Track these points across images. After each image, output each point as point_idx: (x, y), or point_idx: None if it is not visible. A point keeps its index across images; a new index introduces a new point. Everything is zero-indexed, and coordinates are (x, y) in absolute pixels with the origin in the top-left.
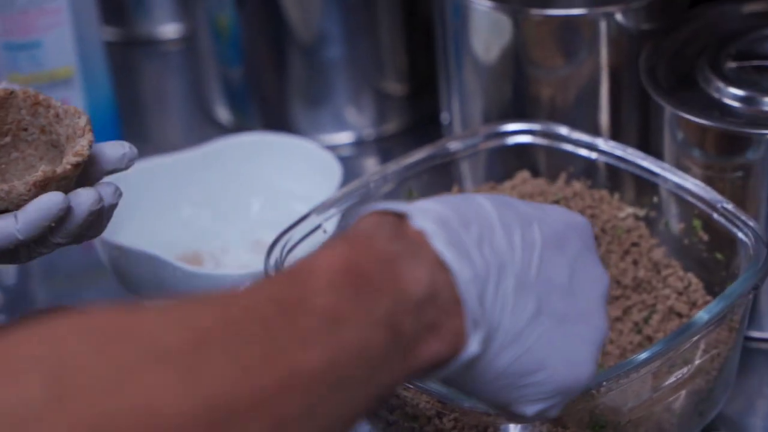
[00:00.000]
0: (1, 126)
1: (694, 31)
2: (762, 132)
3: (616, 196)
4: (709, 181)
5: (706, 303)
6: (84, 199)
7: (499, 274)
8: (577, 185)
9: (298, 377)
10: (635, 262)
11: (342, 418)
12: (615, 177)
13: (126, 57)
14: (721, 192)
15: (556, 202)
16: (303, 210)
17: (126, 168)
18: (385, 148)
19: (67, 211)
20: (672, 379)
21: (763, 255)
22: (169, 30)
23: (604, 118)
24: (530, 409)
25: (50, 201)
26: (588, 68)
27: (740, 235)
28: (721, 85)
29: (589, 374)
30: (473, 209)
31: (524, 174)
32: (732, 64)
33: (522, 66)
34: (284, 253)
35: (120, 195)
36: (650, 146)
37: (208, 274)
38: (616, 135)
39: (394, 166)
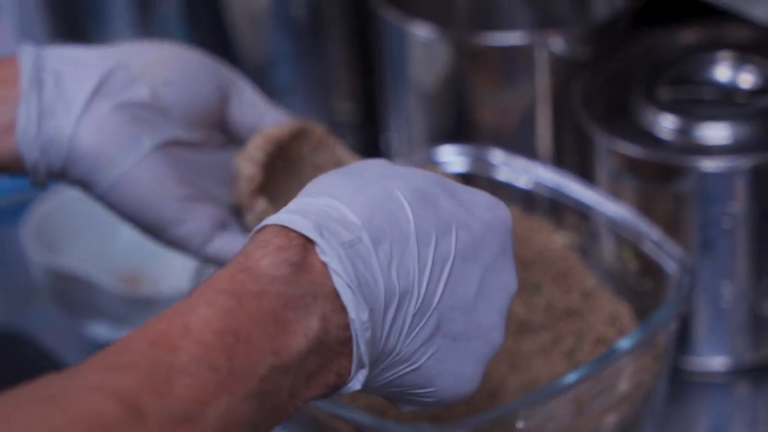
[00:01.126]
0: (286, 155)
1: (630, 59)
2: (692, 162)
3: (551, 222)
4: (641, 210)
5: None
6: None
7: (400, 302)
8: (513, 211)
9: None
10: (567, 290)
11: None
12: (551, 203)
13: None
14: (654, 221)
15: None
16: None
17: None
18: None
19: None
20: (594, 406)
21: (686, 284)
22: None
23: (544, 144)
24: (407, 409)
25: None
26: (527, 95)
27: (666, 264)
28: (654, 114)
29: (473, 389)
30: (391, 216)
31: None
32: (666, 93)
33: (462, 92)
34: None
35: None
36: (587, 173)
37: (141, 297)
38: (557, 161)
39: None
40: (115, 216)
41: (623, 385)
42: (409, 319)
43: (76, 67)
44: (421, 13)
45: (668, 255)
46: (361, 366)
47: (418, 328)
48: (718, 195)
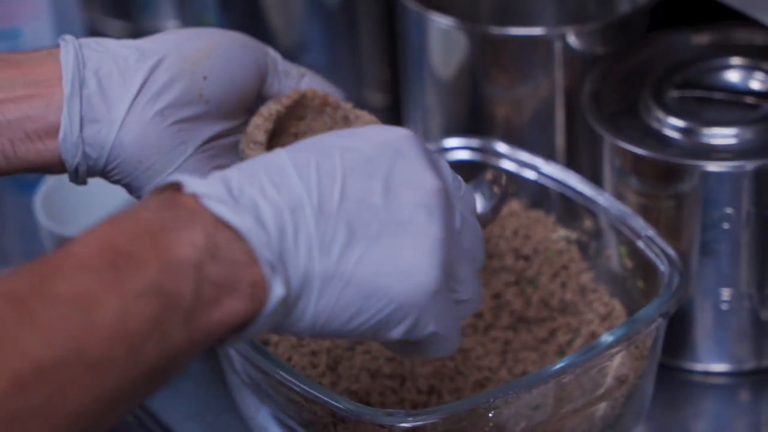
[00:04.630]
0: (288, 127)
1: (642, 58)
2: (695, 162)
3: (552, 217)
4: (643, 209)
5: None
6: None
7: (293, 215)
8: (515, 204)
9: (34, 372)
10: (563, 285)
11: (100, 401)
12: (553, 198)
13: None
14: (655, 221)
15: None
16: None
17: None
18: None
19: None
20: (574, 401)
21: (675, 283)
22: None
23: (558, 139)
24: (394, 334)
25: None
26: (543, 89)
27: (658, 262)
28: (660, 114)
29: (431, 279)
30: (263, 160)
31: None
32: (675, 94)
33: (479, 84)
34: None
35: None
36: (597, 170)
37: None
38: (570, 156)
39: None
40: None
41: (605, 381)
42: (313, 231)
43: (117, 66)
44: (445, 6)
45: (660, 254)
46: (273, 269)
47: (327, 237)
48: (721, 196)
